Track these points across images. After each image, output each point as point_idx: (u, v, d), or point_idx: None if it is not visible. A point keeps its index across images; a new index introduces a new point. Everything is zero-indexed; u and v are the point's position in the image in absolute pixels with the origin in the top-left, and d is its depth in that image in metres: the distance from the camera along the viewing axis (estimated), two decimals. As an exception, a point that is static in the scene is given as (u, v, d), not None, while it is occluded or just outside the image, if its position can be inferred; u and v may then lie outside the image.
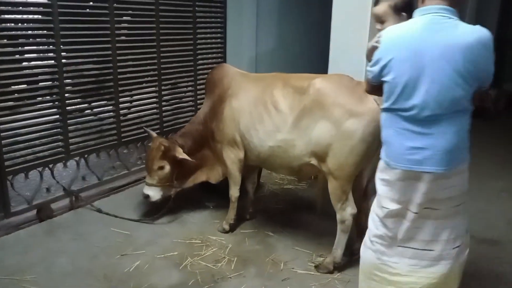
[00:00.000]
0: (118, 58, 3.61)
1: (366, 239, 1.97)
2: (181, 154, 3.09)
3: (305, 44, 6.41)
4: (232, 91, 3.05)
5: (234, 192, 3.20)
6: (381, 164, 1.88)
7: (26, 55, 3.19)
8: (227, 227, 3.21)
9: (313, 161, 2.65)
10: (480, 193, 3.98)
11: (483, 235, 3.24)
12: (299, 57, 6.33)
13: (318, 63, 6.25)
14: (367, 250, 1.94)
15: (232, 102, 3.01)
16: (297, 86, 2.69)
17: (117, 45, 3.57)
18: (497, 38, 2.52)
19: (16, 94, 3.08)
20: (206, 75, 4.45)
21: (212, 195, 3.73)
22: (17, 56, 3.12)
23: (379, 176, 1.87)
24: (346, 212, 2.62)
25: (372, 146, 2.45)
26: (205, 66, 4.53)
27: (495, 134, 6.01)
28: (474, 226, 3.32)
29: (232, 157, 3.07)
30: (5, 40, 2.95)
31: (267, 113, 2.79)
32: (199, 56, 4.43)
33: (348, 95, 2.48)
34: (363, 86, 2.29)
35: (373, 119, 2.37)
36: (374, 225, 1.90)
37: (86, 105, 3.52)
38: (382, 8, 2.18)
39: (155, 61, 3.96)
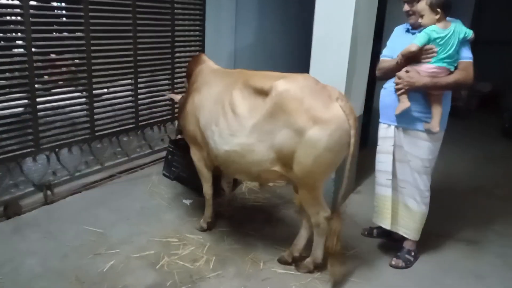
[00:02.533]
0: (92, 48, 3.46)
1: None
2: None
3: (286, 39, 6.36)
4: (197, 85, 2.93)
5: (206, 189, 3.11)
6: None
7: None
8: (204, 225, 3.15)
9: (277, 168, 2.45)
10: (455, 192, 4.06)
11: (460, 234, 3.29)
12: (279, 52, 6.29)
13: (299, 58, 6.25)
14: None
15: (195, 97, 2.87)
16: (258, 87, 2.45)
17: (91, 34, 3.42)
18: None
19: (-19, 84, 2.91)
20: (184, 69, 4.37)
21: (189, 192, 3.65)
22: (-17, 43, 2.95)
23: None
24: (320, 216, 2.53)
25: (339, 155, 2.34)
26: (183, 59, 4.42)
27: (469, 133, 6.16)
28: (451, 225, 3.40)
29: (197, 155, 2.97)
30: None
31: (224, 115, 2.57)
32: (177, 49, 4.32)
33: (313, 100, 2.28)
34: (329, 90, 2.32)
35: (339, 127, 2.24)
36: None
37: (57, 96, 3.36)
38: (421, 5, 2.50)
39: (131, 52, 3.82)
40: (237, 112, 2.50)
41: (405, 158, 2.74)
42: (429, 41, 2.49)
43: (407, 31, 2.74)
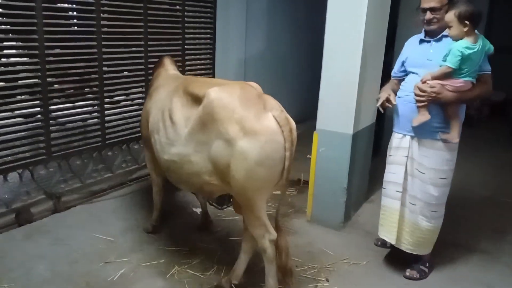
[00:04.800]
0: (103, 56, 3.48)
1: None
2: None
3: (297, 47, 6.39)
4: (151, 90, 2.94)
5: (153, 192, 3.13)
6: None
7: (6, 51, 3.03)
8: (149, 227, 3.18)
9: (216, 181, 2.31)
10: (465, 201, 4.00)
11: (473, 244, 3.24)
12: (290, 60, 6.31)
13: (310, 65, 6.26)
14: None
15: (147, 102, 2.86)
16: (195, 94, 2.37)
17: (103, 42, 3.45)
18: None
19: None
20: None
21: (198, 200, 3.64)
22: (-3, 52, 2.98)
23: None
24: (265, 240, 2.27)
25: (272, 170, 2.15)
26: (194, 67, 4.44)
27: (480, 141, 6.08)
28: (464, 235, 3.34)
29: (148, 157, 2.96)
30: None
31: (163, 123, 2.52)
32: (187, 57, 4.34)
33: (245, 109, 2.13)
34: (264, 100, 2.20)
35: (271, 139, 2.09)
36: None
37: (69, 104, 3.38)
38: (449, 15, 2.41)
39: (142, 60, 3.85)
40: (174, 120, 2.44)
41: (418, 172, 2.67)
42: (462, 59, 2.37)
43: (422, 41, 2.68)
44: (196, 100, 2.34)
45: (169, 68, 3.09)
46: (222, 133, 2.15)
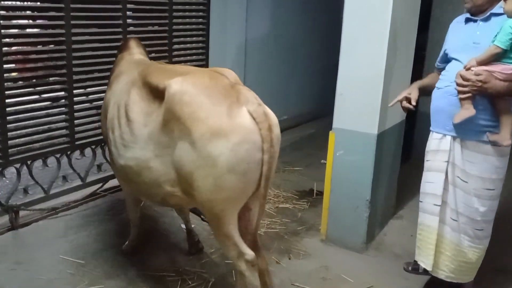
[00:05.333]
0: (73, 38, 3.48)
1: None
2: None
3: (309, 28, 6.39)
4: (112, 77, 2.93)
5: (127, 206, 3.14)
6: None
7: None
8: (128, 247, 3.21)
9: (179, 193, 2.31)
10: None
11: (496, 263, 3.21)
12: (300, 44, 6.31)
13: (326, 51, 6.27)
14: None
15: (107, 92, 2.88)
16: (154, 86, 2.34)
17: (72, 21, 3.45)
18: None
19: None
20: (183, 63, 4.39)
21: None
22: None
23: None
24: (241, 261, 2.24)
25: (246, 177, 2.12)
26: (183, 52, 4.45)
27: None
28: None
29: (111, 158, 2.87)
30: None
31: (118, 120, 2.50)
32: (175, 40, 4.34)
33: (214, 104, 2.11)
34: (238, 91, 2.16)
35: (244, 140, 2.05)
36: None
37: (30, 97, 3.38)
38: (509, 5, 2.36)
39: (121, 43, 3.84)
40: (131, 117, 2.41)
41: (460, 180, 2.65)
42: None
43: (468, 20, 2.67)
44: (157, 93, 2.32)
45: (134, 51, 3.07)
46: (185, 134, 2.12)
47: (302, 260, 3.29)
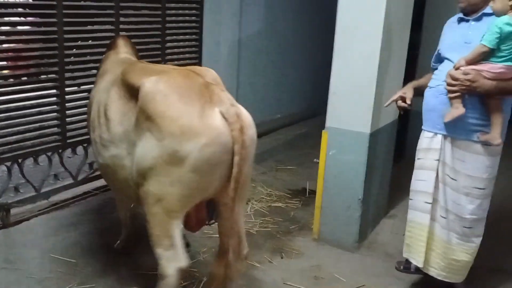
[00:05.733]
0: (65, 36, 3.48)
1: None
2: None
3: (304, 25, 6.40)
4: (98, 75, 2.96)
5: (116, 205, 3.17)
6: None
7: None
8: (119, 247, 3.23)
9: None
10: (510, 216, 4.02)
11: (490, 262, 3.23)
12: (295, 42, 6.32)
13: (320, 48, 6.27)
14: None
15: (92, 90, 2.91)
16: (131, 85, 2.34)
17: (64, 19, 3.44)
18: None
19: None
20: (176, 62, 4.40)
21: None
22: None
23: None
24: (168, 264, 2.21)
25: (207, 178, 2.09)
26: (176, 50, 4.45)
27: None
28: (505, 258, 3.36)
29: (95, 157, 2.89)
30: None
31: (98, 119, 2.53)
32: (168, 38, 4.33)
33: (185, 104, 2.09)
34: (212, 91, 2.13)
35: (212, 142, 2.02)
36: None
37: (21, 95, 3.37)
38: (497, 4, 2.41)
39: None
40: (109, 116, 2.43)
41: (449, 178, 2.68)
42: (501, 38, 2.37)
43: (461, 20, 2.69)
44: (133, 92, 2.31)
45: (121, 50, 3.06)
46: (154, 131, 2.10)
47: (295, 259, 3.29)
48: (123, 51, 3.07)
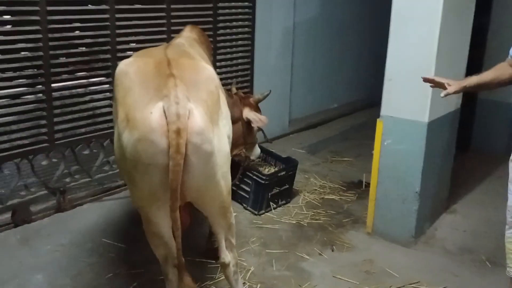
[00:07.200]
0: (116, 23, 3.55)
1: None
2: None
3: (359, 10, 6.28)
4: None
5: None
6: None
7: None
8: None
9: None
10: None
11: None
12: (350, 27, 6.21)
13: (377, 34, 6.12)
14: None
15: None
16: None
17: (116, 6, 3.52)
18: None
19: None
20: (228, 55, 4.42)
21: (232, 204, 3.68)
22: None
23: None
24: (167, 264, 2.38)
25: (150, 180, 1.97)
26: (228, 37, 4.47)
27: None
28: None
29: None
30: None
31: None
32: (220, 25, 4.35)
33: (141, 95, 1.98)
34: (169, 81, 1.94)
35: (144, 138, 1.88)
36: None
37: (75, 82, 3.48)
38: None
39: (164, 28, 3.90)
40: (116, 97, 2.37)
41: None
42: None
43: None
44: None
45: (182, 35, 3.03)
46: (115, 117, 2.12)
47: (346, 252, 3.25)
48: (183, 36, 3.03)
